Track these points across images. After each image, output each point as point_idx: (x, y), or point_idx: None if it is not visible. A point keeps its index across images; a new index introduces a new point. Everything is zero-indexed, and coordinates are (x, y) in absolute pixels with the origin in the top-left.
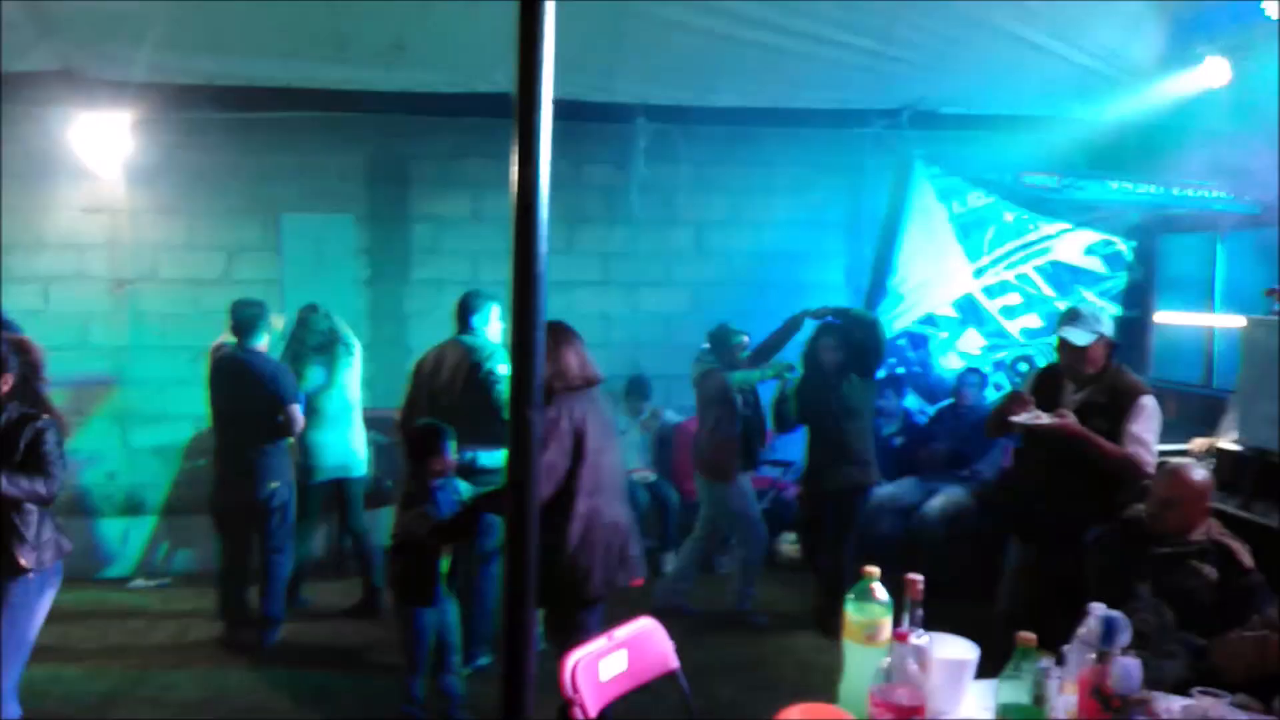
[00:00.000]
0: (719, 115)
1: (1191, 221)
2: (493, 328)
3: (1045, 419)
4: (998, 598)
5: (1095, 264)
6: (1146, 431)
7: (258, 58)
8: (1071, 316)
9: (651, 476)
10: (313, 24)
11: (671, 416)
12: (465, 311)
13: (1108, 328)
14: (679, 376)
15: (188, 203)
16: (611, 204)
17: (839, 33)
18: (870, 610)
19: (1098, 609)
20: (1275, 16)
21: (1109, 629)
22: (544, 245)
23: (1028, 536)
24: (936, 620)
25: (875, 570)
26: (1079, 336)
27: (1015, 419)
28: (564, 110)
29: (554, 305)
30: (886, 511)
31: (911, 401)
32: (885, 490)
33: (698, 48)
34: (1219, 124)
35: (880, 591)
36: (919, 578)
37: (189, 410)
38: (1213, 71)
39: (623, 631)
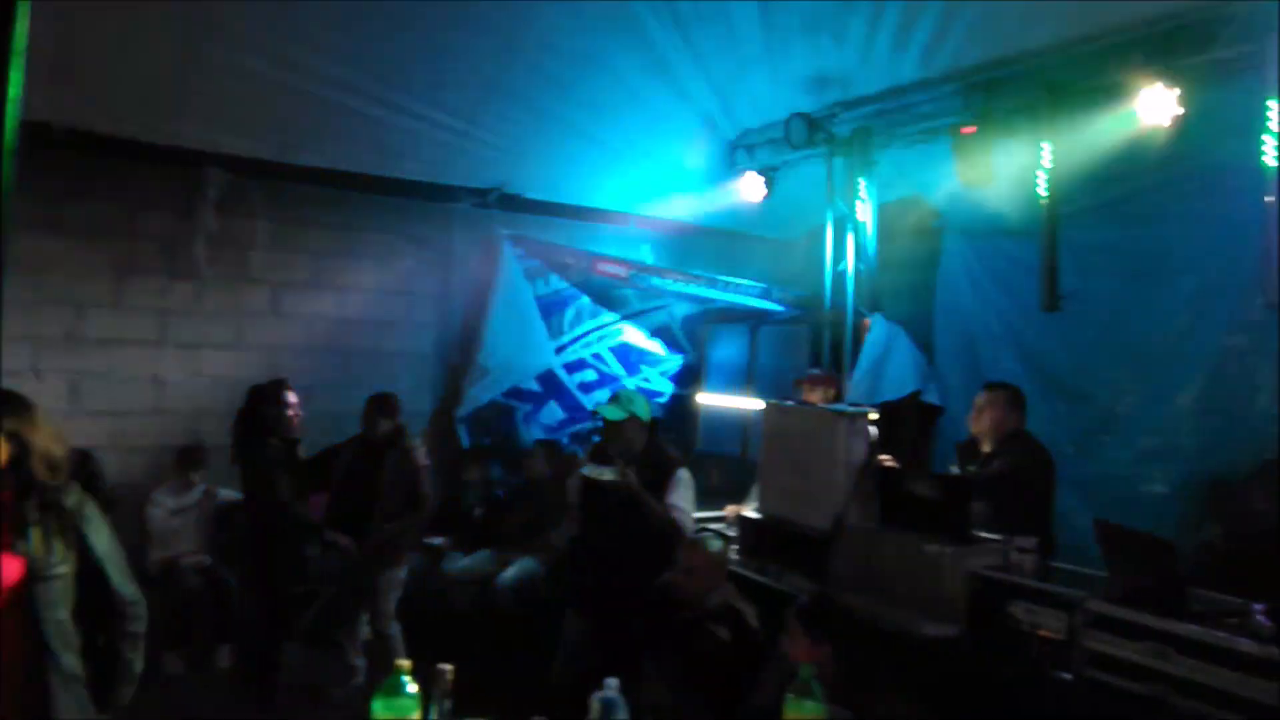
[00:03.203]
0: (302, 174)
1: (734, 313)
2: None
3: (609, 474)
4: (553, 669)
5: (657, 347)
6: (683, 500)
7: None
8: (612, 397)
9: (207, 560)
10: None
11: (229, 494)
12: None
13: (640, 408)
14: None
15: None
16: (172, 256)
17: (428, 108)
18: (399, 706)
19: (600, 694)
20: (798, 144)
21: (606, 709)
22: None
23: (583, 605)
24: (498, 692)
25: (406, 664)
26: (611, 413)
27: (584, 471)
28: (112, 148)
29: (96, 366)
30: (463, 584)
31: (495, 472)
32: (462, 563)
33: (277, 101)
34: (762, 230)
35: (410, 686)
36: (449, 668)
37: None
38: (751, 186)
39: None
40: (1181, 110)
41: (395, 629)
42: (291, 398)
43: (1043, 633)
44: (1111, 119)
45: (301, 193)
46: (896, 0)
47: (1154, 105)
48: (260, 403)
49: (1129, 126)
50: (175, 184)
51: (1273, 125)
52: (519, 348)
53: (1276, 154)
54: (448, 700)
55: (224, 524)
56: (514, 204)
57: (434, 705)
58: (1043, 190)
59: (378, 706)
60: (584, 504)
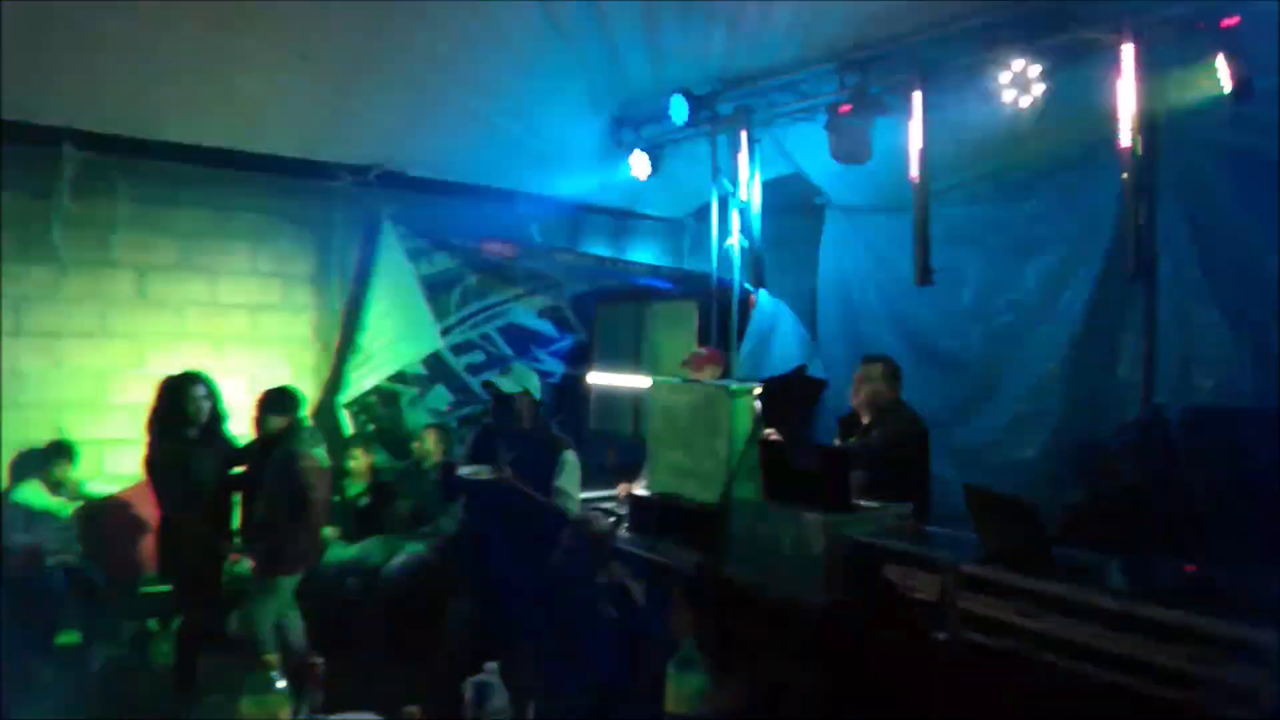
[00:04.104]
0: (166, 150)
1: (624, 292)
2: None
3: (487, 473)
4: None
5: (547, 326)
6: (569, 484)
7: None
8: (504, 371)
9: (73, 559)
10: None
11: (99, 488)
12: None
13: (533, 386)
14: (116, 441)
15: None
16: (26, 240)
17: (299, 79)
18: (266, 703)
19: (474, 679)
20: (681, 122)
21: (480, 694)
22: None
23: (470, 590)
24: (383, 682)
25: (272, 659)
26: (505, 384)
27: (460, 473)
28: None
29: None
30: (351, 573)
31: (381, 459)
32: (349, 552)
33: (136, 73)
34: (649, 208)
35: (278, 682)
36: (320, 661)
37: None
38: (639, 163)
39: None
40: (1046, 88)
41: (266, 632)
42: (199, 391)
43: (918, 595)
44: (981, 97)
45: (166, 170)
46: None
47: (1019, 83)
48: (163, 399)
49: (998, 104)
50: (28, 163)
51: (1128, 104)
52: (403, 330)
53: (1131, 132)
54: (319, 694)
55: (92, 520)
56: (396, 182)
57: (305, 701)
58: (915, 167)
59: (245, 705)
60: (468, 494)
